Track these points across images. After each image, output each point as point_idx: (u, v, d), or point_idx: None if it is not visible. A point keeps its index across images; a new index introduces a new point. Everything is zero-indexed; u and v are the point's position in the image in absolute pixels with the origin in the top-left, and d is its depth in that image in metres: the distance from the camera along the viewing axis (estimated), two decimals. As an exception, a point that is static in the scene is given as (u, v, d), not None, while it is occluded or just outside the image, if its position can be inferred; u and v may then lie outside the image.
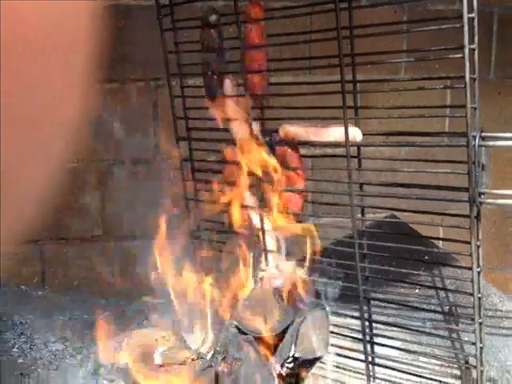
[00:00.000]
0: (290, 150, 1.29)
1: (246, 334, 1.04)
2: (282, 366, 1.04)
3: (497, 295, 1.55)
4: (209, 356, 1.08)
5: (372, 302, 1.30)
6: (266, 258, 1.29)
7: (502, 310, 1.51)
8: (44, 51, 0.26)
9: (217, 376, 1.01)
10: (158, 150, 1.84)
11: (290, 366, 1.03)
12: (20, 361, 1.48)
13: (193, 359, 1.09)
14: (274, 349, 1.05)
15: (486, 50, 1.92)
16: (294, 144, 1.29)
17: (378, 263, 1.27)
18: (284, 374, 1.04)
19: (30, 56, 0.25)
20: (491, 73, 1.94)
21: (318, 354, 1.04)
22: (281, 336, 1.05)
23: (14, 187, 0.27)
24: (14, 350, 1.52)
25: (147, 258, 1.58)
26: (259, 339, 1.03)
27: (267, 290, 1.09)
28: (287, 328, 1.05)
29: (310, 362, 1.07)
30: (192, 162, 1.49)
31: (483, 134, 1.07)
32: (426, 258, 1.40)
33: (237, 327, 1.05)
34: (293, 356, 1.02)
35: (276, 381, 1.00)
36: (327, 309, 1.07)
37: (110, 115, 1.81)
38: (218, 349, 1.06)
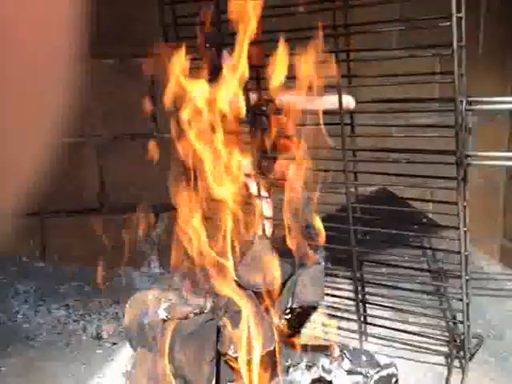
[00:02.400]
0: (285, 119, 1.35)
1: (245, 289, 1.09)
2: (280, 318, 1.10)
3: (483, 259, 1.62)
4: (210, 311, 1.14)
5: (363, 269, 1.37)
6: (263, 224, 1.34)
7: (487, 273, 1.58)
8: (29, 23, 0.26)
9: (218, 329, 1.07)
10: (156, 124, 1.88)
11: (288, 317, 1.09)
12: (25, 326, 1.54)
13: (195, 314, 1.15)
14: (272, 303, 1.11)
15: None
16: (290, 113, 1.34)
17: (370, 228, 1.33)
18: (282, 326, 1.10)
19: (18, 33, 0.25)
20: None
21: (314, 304, 1.11)
22: (279, 291, 1.11)
23: (13, 159, 0.27)
24: (19, 316, 1.57)
25: (147, 230, 1.64)
26: (258, 294, 1.09)
27: (265, 247, 1.15)
28: (285, 283, 1.10)
29: (307, 314, 1.13)
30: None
31: (470, 99, 1.13)
32: (415, 226, 1.47)
33: (237, 283, 1.11)
34: (290, 307, 1.08)
35: (275, 333, 1.05)
36: (322, 263, 1.13)
37: (107, 90, 1.85)
38: (219, 305, 1.12)
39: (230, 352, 1.03)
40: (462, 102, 1.12)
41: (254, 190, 1.38)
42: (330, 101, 1.27)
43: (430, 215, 1.78)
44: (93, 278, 1.72)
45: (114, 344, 1.47)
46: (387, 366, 1.13)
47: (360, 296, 1.35)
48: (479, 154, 1.14)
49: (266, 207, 1.39)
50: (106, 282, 1.71)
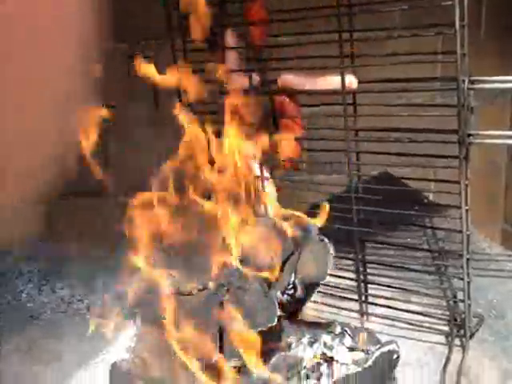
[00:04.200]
0: (287, 100, 1.36)
1: (248, 266, 1.11)
2: (282, 294, 1.11)
3: (484, 241, 1.64)
4: (213, 287, 1.15)
5: (365, 249, 1.38)
6: (265, 205, 1.35)
7: (489, 254, 1.59)
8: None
9: (221, 304, 1.08)
10: (160, 107, 1.89)
11: (291, 292, 1.10)
12: (29, 305, 1.55)
13: (199, 290, 1.16)
14: (275, 279, 1.12)
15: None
16: (292, 93, 1.35)
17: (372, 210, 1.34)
18: (285, 301, 1.11)
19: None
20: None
21: (318, 280, 1.12)
22: (282, 267, 1.12)
23: (22, 144, 0.29)
24: (23, 295, 1.59)
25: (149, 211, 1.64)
26: (261, 270, 1.10)
27: (269, 222, 1.16)
28: (288, 259, 1.11)
29: (310, 290, 1.14)
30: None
31: (472, 78, 1.13)
32: (417, 208, 1.48)
33: (240, 260, 1.12)
34: (293, 283, 1.09)
35: (278, 309, 1.06)
36: (326, 240, 1.14)
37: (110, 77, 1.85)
38: (222, 281, 1.13)
39: (234, 327, 1.04)
40: (464, 81, 1.12)
41: (256, 170, 1.39)
42: (333, 81, 1.28)
43: (432, 197, 1.79)
44: (96, 259, 1.73)
45: (119, 323, 1.49)
46: (388, 342, 1.14)
47: (361, 276, 1.36)
48: (481, 132, 1.15)
49: (268, 187, 1.40)
50: (109, 262, 1.72)
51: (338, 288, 1.40)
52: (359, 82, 1.26)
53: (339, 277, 1.40)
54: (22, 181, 0.31)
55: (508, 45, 2.08)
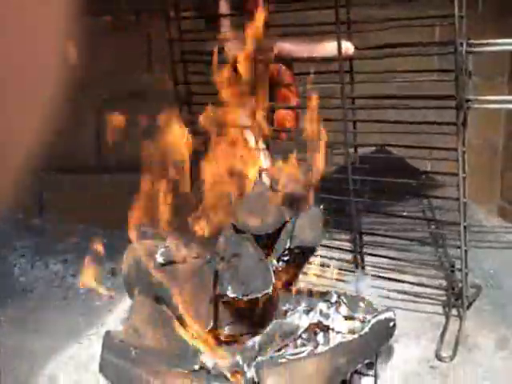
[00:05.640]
0: (283, 68, 1.34)
1: (243, 233, 1.09)
2: (278, 260, 1.09)
3: (482, 213, 1.62)
4: (208, 255, 1.13)
5: (362, 220, 1.36)
6: (260, 172, 1.34)
7: (486, 226, 1.58)
8: None
9: (216, 272, 1.07)
10: (152, 83, 1.87)
11: (286, 258, 1.09)
12: (22, 279, 1.53)
13: (194, 257, 1.15)
14: (271, 246, 1.11)
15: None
16: (288, 61, 1.33)
17: (369, 180, 1.33)
18: (280, 268, 1.10)
19: None
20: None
21: (313, 245, 1.10)
22: (277, 234, 1.10)
23: (13, 119, 0.28)
24: (15, 269, 1.57)
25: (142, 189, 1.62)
26: (257, 237, 1.08)
27: (264, 190, 1.14)
28: (283, 226, 1.10)
29: (305, 256, 1.13)
30: (188, 87, 1.52)
31: (470, 42, 1.11)
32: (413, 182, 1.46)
33: (234, 227, 1.10)
34: (288, 248, 1.07)
35: (273, 275, 1.05)
36: (321, 207, 1.12)
37: (104, 50, 1.83)
38: (216, 249, 1.11)
39: (229, 293, 1.02)
40: (462, 44, 1.11)
41: (251, 141, 1.38)
42: (329, 47, 1.26)
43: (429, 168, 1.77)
44: (90, 235, 1.71)
45: (113, 297, 1.47)
46: (385, 310, 1.13)
47: (358, 247, 1.35)
48: (479, 97, 1.13)
49: (263, 157, 1.39)
50: (103, 239, 1.70)
51: (334, 259, 1.39)
52: (356, 49, 1.24)
53: (336, 248, 1.39)
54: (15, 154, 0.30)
55: (507, 19, 2.06)
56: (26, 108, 0.29)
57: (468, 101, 1.13)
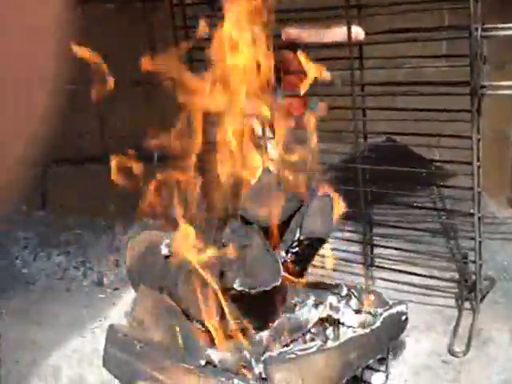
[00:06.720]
0: (291, 54, 1.30)
1: (251, 223, 1.05)
2: (287, 252, 1.06)
3: (495, 205, 1.59)
4: (215, 246, 1.10)
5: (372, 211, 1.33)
6: (267, 161, 1.30)
7: (499, 217, 1.54)
8: None
9: (223, 264, 1.03)
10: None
11: (295, 250, 1.05)
12: (24, 271, 1.51)
13: (200, 249, 1.11)
14: (279, 237, 1.07)
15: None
16: (296, 47, 1.29)
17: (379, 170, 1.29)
18: (289, 260, 1.06)
19: None
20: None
21: (323, 236, 1.06)
22: (286, 225, 1.07)
23: (15, 109, 0.27)
24: (18, 261, 1.54)
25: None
26: (265, 229, 1.05)
27: (272, 179, 1.11)
28: (292, 216, 1.06)
29: (315, 248, 1.09)
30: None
31: (485, 26, 1.07)
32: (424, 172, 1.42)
33: (242, 218, 1.07)
34: (298, 239, 1.04)
35: (282, 268, 1.01)
36: (331, 196, 1.08)
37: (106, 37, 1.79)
38: (223, 241, 1.08)
39: (236, 286, 0.99)
40: (477, 28, 1.07)
41: (258, 130, 1.34)
42: (339, 33, 1.22)
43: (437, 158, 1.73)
44: (93, 227, 1.69)
45: (116, 289, 1.44)
46: (397, 303, 1.09)
47: (368, 239, 1.31)
48: (494, 83, 1.10)
49: (270, 146, 1.35)
50: (106, 231, 1.68)
51: (344, 251, 1.35)
52: (366, 34, 1.21)
53: (346, 240, 1.35)
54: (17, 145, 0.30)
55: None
56: (27, 102, 0.28)
57: (483, 87, 1.09)
